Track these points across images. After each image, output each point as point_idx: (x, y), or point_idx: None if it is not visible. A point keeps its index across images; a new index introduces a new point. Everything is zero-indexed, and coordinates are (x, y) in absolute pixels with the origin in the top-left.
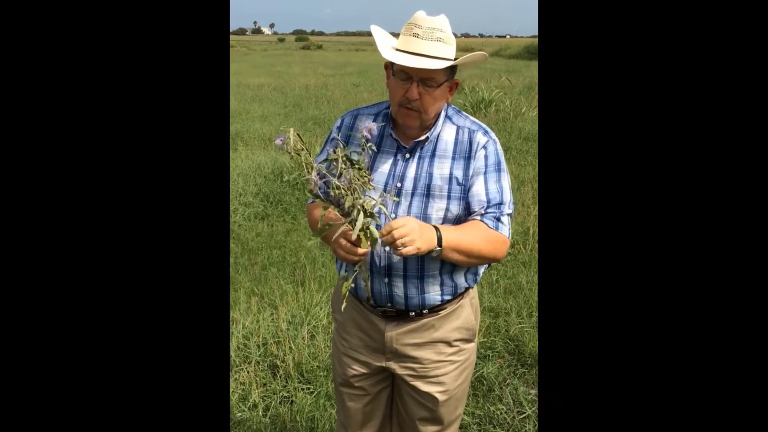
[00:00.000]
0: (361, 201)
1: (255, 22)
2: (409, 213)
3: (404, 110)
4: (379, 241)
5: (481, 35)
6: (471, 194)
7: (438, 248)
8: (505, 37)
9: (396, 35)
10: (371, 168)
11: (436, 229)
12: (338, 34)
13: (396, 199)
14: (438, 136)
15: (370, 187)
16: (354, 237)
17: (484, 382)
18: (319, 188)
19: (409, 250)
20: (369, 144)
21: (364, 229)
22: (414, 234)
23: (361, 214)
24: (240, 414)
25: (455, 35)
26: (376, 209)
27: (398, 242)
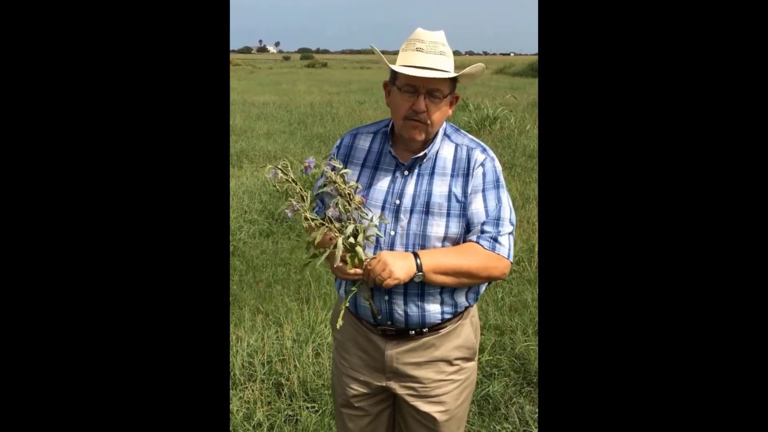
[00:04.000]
0: (340, 227)
1: (260, 41)
2: (408, 230)
3: (411, 123)
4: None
5: (485, 53)
6: (471, 212)
7: (419, 273)
8: (509, 54)
9: (390, 53)
10: (370, 186)
11: (415, 255)
12: (343, 52)
13: (387, 221)
14: (437, 153)
15: (359, 208)
16: (336, 264)
17: (490, 401)
18: (315, 211)
19: (389, 282)
20: (343, 169)
21: (350, 251)
22: (389, 266)
23: (339, 242)
24: None
25: (460, 53)
26: (371, 231)
27: (377, 279)
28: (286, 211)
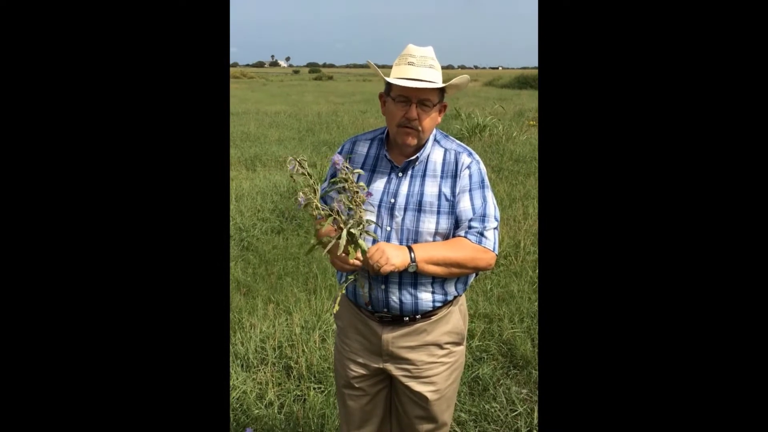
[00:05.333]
0: (345, 219)
1: (272, 56)
2: (402, 226)
3: (404, 130)
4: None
5: (476, 67)
6: (459, 210)
7: (413, 263)
8: (497, 68)
9: (388, 67)
10: (368, 186)
11: (410, 248)
12: (348, 66)
13: (373, 222)
14: (428, 157)
15: (359, 205)
16: (339, 252)
17: (480, 383)
18: (320, 207)
19: (386, 268)
20: (356, 169)
21: (353, 242)
22: (386, 255)
23: (344, 232)
24: (257, 411)
25: (453, 66)
26: (370, 227)
27: (375, 266)
28: (299, 199)
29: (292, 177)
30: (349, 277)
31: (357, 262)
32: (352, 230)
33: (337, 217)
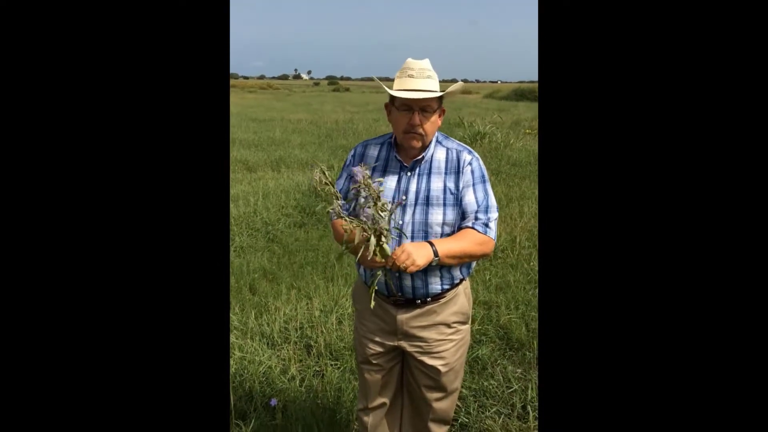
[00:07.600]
0: (374, 226)
1: (295, 69)
2: (413, 220)
3: (409, 135)
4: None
5: (477, 80)
6: (465, 203)
7: (436, 258)
8: (496, 82)
9: (387, 79)
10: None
11: (431, 244)
12: (362, 79)
13: (397, 229)
14: (432, 156)
15: (385, 210)
16: (370, 257)
17: (479, 362)
18: (344, 210)
19: (412, 269)
20: (372, 175)
21: (379, 247)
22: (412, 256)
23: (373, 238)
24: (281, 384)
25: (457, 80)
26: (393, 232)
27: (402, 267)
28: (330, 211)
29: (317, 189)
30: (377, 273)
31: (382, 261)
32: (381, 237)
33: (364, 226)
